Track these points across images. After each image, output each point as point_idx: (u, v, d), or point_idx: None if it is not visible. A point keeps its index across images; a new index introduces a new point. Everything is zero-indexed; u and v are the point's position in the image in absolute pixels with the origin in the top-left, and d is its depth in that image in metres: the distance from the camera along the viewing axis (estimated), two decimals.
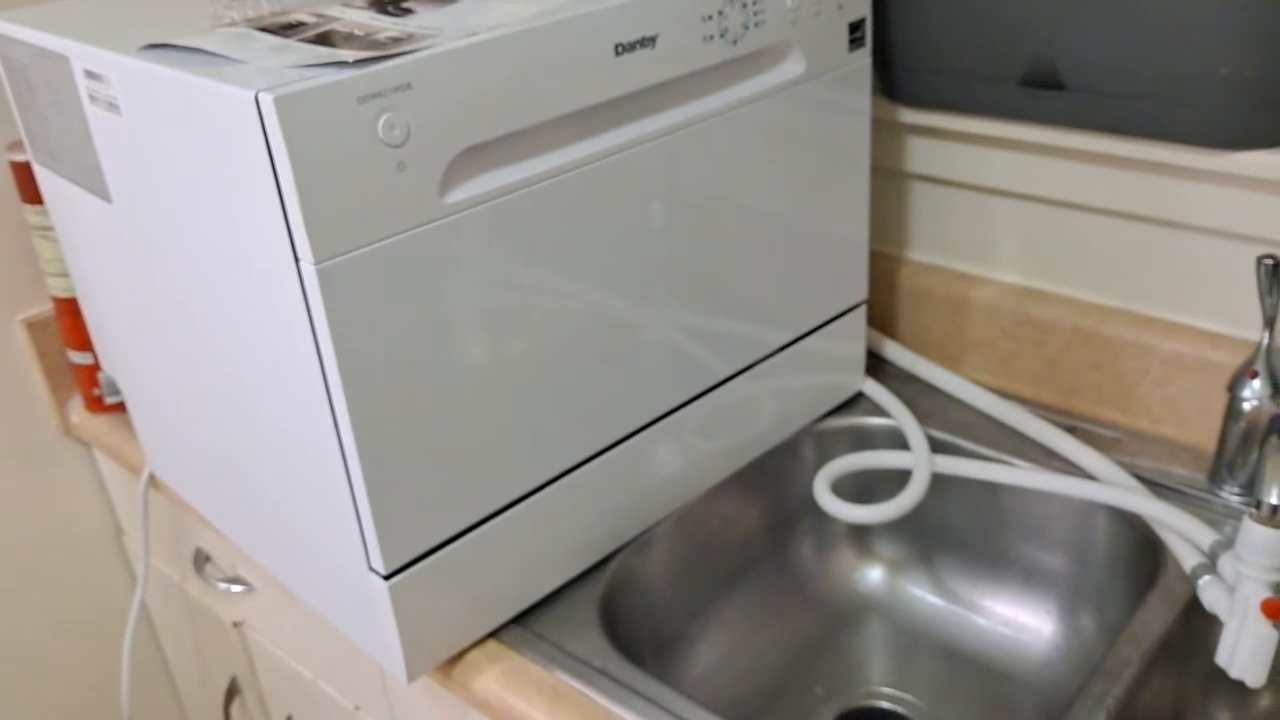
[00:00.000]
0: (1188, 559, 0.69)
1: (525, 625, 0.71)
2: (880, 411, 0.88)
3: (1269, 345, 0.71)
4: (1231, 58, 0.68)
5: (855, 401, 0.90)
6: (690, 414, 0.76)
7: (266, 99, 0.49)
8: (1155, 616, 0.67)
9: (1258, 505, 0.60)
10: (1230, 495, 0.75)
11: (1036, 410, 0.86)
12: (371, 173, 0.53)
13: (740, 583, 0.87)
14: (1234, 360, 0.77)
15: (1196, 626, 0.69)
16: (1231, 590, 0.64)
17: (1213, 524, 0.72)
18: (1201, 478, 0.78)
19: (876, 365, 0.93)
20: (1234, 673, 0.62)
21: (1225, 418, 0.74)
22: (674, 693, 0.65)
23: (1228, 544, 0.67)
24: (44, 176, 0.81)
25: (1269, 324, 0.71)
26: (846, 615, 0.89)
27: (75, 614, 1.13)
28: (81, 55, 0.64)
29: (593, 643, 0.69)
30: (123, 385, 0.89)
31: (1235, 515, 0.74)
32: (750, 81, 0.70)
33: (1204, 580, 0.66)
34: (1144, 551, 0.75)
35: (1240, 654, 0.62)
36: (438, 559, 0.64)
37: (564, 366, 0.66)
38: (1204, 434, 0.81)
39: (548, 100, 0.59)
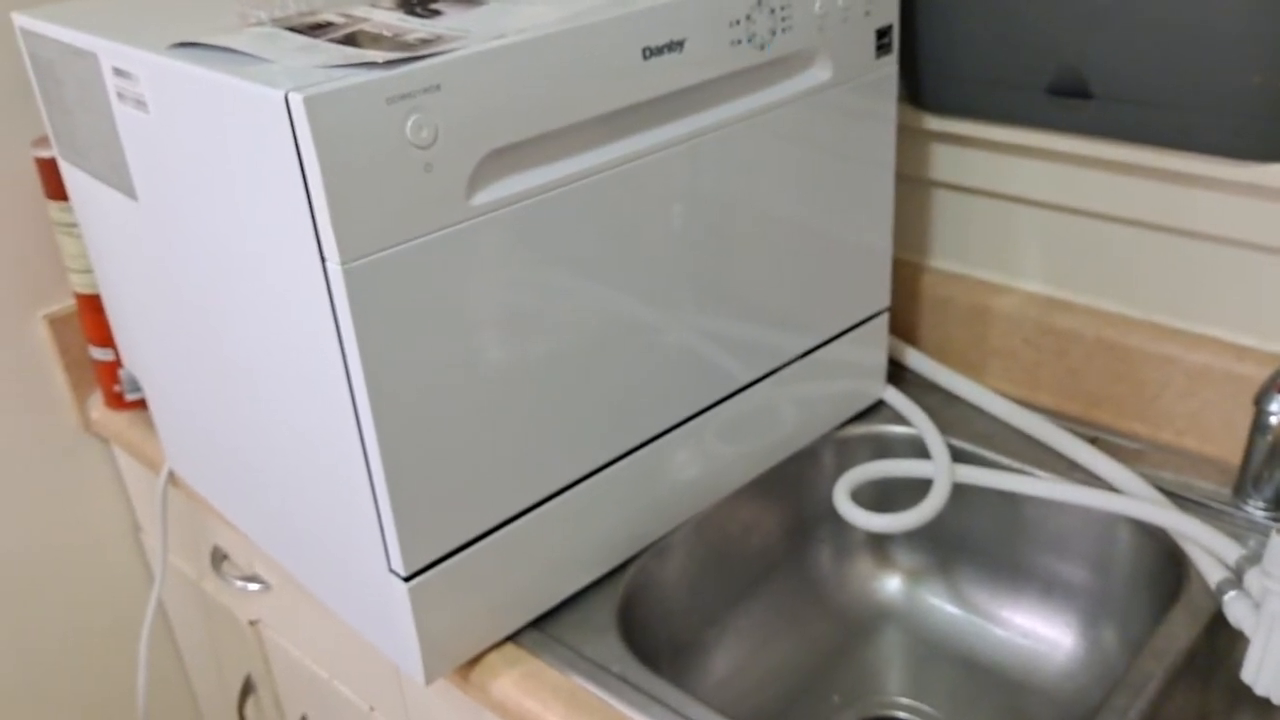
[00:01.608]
0: (1212, 573, 0.69)
1: (543, 629, 0.70)
2: (901, 420, 0.87)
3: None
4: (1262, 68, 0.68)
5: (876, 409, 0.89)
6: (711, 419, 0.75)
7: (296, 99, 0.49)
8: (1179, 631, 0.67)
9: None
10: (1255, 510, 0.75)
11: (1058, 420, 0.85)
12: (399, 174, 0.53)
13: (758, 589, 0.87)
14: (1261, 373, 0.76)
15: (1220, 641, 0.69)
16: (1258, 606, 0.63)
17: (1237, 538, 0.71)
18: (1226, 491, 0.77)
19: (898, 373, 0.92)
20: (1260, 689, 0.62)
21: (1251, 431, 0.74)
22: (691, 699, 0.64)
23: (1254, 559, 0.67)
24: (69, 173, 0.81)
25: None
26: (864, 624, 0.89)
27: (92, 609, 1.13)
28: (110, 53, 0.65)
29: (611, 647, 0.69)
30: (144, 382, 0.89)
31: (1260, 529, 0.74)
32: (777, 87, 0.70)
33: (1230, 595, 0.66)
34: (1167, 565, 0.74)
35: (1266, 670, 0.61)
36: (458, 561, 0.64)
37: (586, 370, 0.66)
38: (1228, 447, 0.80)
39: (575, 103, 0.59)
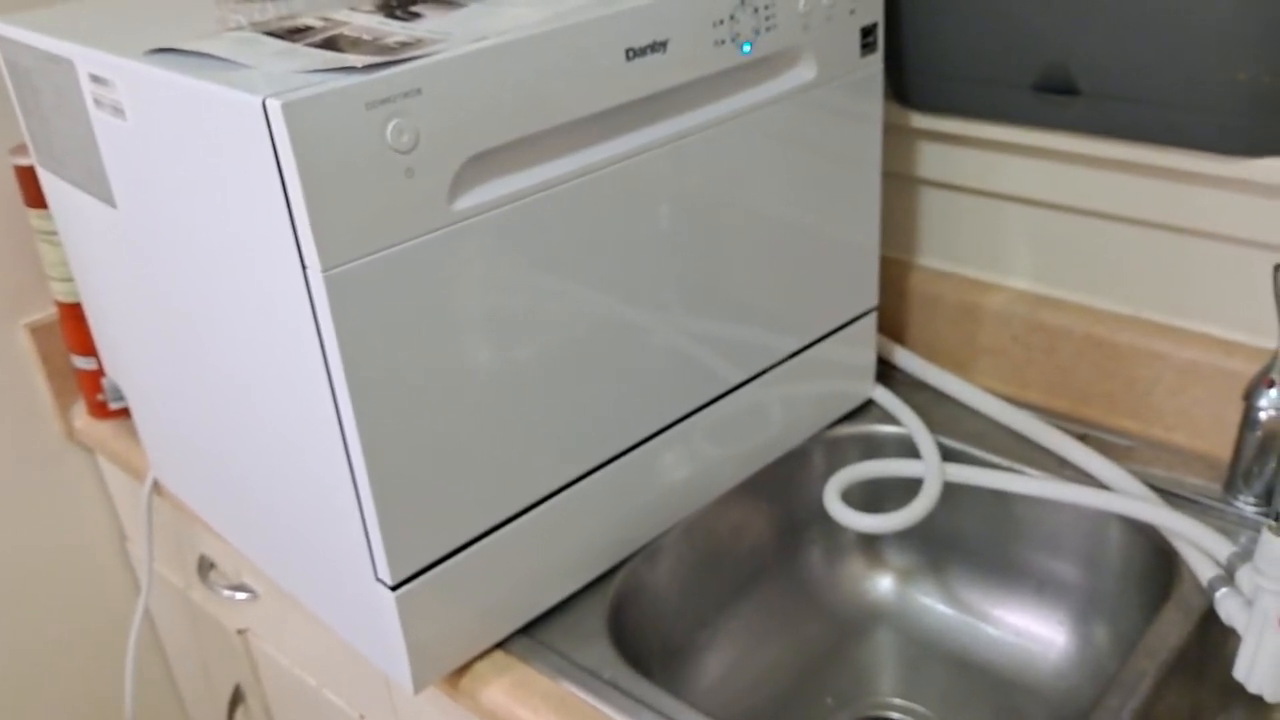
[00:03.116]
0: (1204, 571, 0.68)
1: (533, 635, 0.70)
2: (891, 419, 0.87)
3: None
4: (1249, 63, 0.68)
5: (865, 409, 0.89)
6: (699, 421, 0.75)
7: (274, 104, 0.48)
8: (1171, 629, 0.66)
9: (1276, 518, 0.60)
10: (1245, 505, 0.75)
11: (1048, 418, 0.85)
12: (380, 179, 0.52)
13: (749, 591, 0.86)
14: (1250, 368, 0.76)
15: (1212, 639, 0.69)
16: (1250, 603, 0.63)
17: (1227, 534, 0.71)
18: (1216, 487, 0.77)
19: (887, 372, 0.92)
20: (1252, 687, 0.62)
21: (1241, 427, 0.73)
22: (683, 704, 0.64)
23: (1245, 556, 0.67)
24: (48, 181, 0.80)
25: None
26: (856, 624, 0.88)
27: (78, 620, 1.12)
28: (86, 59, 0.64)
29: (601, 653, 0.68)
30: (127, 391, 0.89)
31: (1250, 526, 0.74)
32: (762, 87, 0.70)
33: (1221, 592, 0.66)
34: (1158, 562, 0.74)
35: (1259, 668, 0.61)
36: (445, 569, 0.63)
37: (572, 374, 0.65)
38: (1218, 443, 0.80)
39: (558, 106, 0.58)
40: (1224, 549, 0.68)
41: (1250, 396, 0.72)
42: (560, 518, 0.68)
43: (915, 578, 0.89)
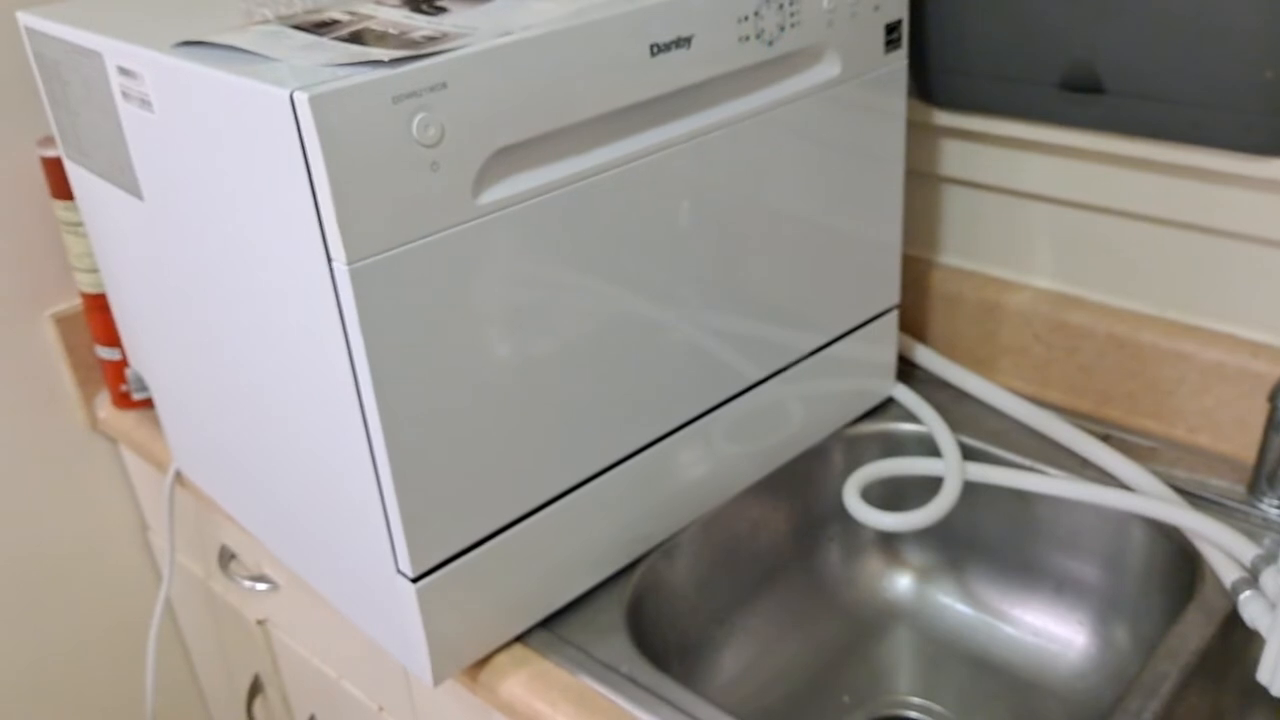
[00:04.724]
0: (1227, 573, 0.68)
1: (551, 629, 0.70)
2: (911, 417, 0.87)
3: None
4: (1275, 63, 0.67)
5: (886, 407, 0.89)
6: (720, 418, 0.75)
7: (301, 98, 0.49)
8: (1193, 630, 0.66)
9: None
10: (1270, 508, 0.74)
11: (1070, 418, 0.84)
12: (405, 173, 0.52)
13: (767, 588, 0.86)
14: (1275, 370, 0.76)
15: (1235, 642, 0.68)
16: (1274, 606, 0.63)
17: (1251, 536, 0.70)
18: (1240, 489, 0.76)
19: (907, 370, 0.92)
20: (1275, 690, 0.61)
21: (1266, 428, 0.73)
22: (700, 699, 0.64)
23: (1270, 558, 0.66)
24: (75, 172, 0.81)
25: None
26: (874, 623, 0.88)
27: (100, 609, 1.13)
28: (114, 52, 0.64)
29: (619, 648, 0.68)
30: (150, 382, 0.89)
31: (1274, 528, 0.73)
32: (785, 83, 0.69)
33: (1245, 595, 0.65)
34: (1181, 564, 0.74)
35: None
36: (465, 562, 0.64)
37: (594, 369, 0.65)
38: (1242, 444, 0.79)
39: (582, 101, 0.58)
40: (1248, 551, 0.68)
41: (1275, 398, 0.72)
42: (580, 513, 0.69)
43: (934, 576, 0.89)
